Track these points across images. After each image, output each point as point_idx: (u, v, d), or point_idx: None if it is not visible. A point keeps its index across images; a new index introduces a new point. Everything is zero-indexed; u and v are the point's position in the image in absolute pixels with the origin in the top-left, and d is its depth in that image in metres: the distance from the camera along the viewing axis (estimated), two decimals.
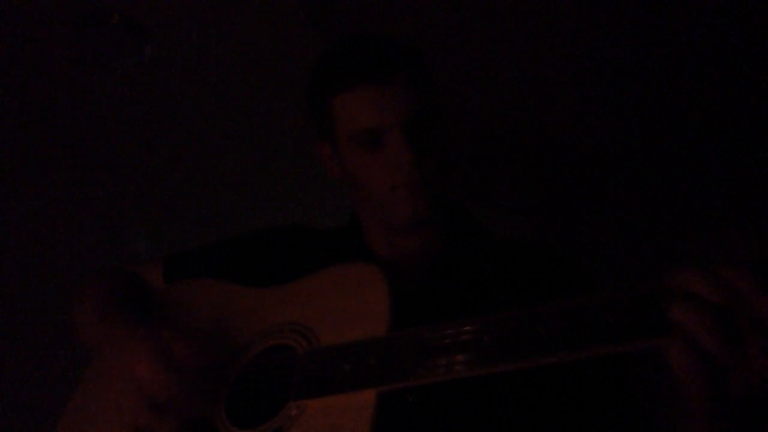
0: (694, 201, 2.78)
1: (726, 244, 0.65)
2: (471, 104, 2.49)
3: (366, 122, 1.04)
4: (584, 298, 0.71)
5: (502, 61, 2.34)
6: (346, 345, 0.88)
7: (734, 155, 2.67)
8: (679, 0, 2.04)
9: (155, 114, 2.52)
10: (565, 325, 0.70)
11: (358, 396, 0.82)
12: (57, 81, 2.32)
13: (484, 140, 2.70)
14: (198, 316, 1.11)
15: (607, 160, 2.80)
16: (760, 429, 0.67)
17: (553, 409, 0.97)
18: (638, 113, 2.55)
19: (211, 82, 2.40)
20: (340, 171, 1.17)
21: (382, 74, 1.04)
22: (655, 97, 2.47)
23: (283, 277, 1.07)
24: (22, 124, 2.45)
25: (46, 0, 2.03)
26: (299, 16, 2.18)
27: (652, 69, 2.33)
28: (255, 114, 2.55)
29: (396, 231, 1.15)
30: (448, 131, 1.19)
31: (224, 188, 2.85)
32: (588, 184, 2.93)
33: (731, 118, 2.53)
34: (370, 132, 1.04)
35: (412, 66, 1.08)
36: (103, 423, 1.07)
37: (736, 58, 2.25)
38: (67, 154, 2.59)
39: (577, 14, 2.13)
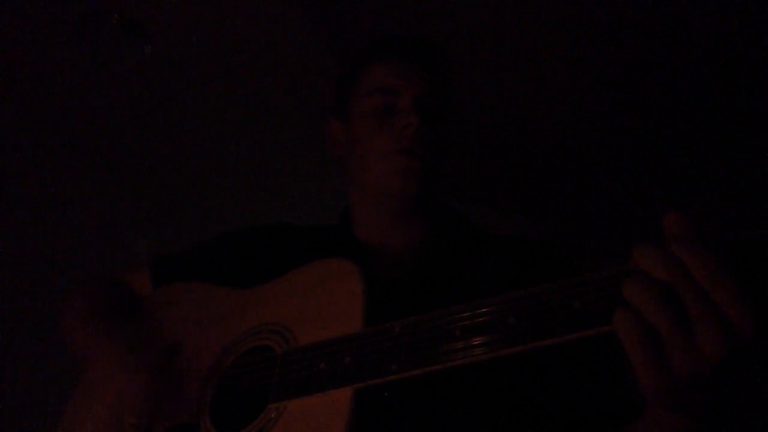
0: (694, 201, 2.76)
1: (671, 226, 0.63)
2: (470, 104, 2.49)
3: (384, 83, 1.14)
4: (550, 283, 0.71)
5: (501, 62, 2.34)
6: (321, 344, 0.88)
7: (734, 155, 2.65)
8: (679, 0, 2.03)
9: (155, 114, 2.53)
10: (533, 313, 0.70)
11: (335, 394, 0.82)
12: (57, 81, 2.33)
13: (484, 140, 2.70)
14: (182, 320, 1.11)
15: (606, 160, 2.79)
16: (711, 411, 0.67)
17: (531, 400, 0.97)
18: (638, 113, 2.54)
19: (210, 82, 2.41)
20: (344, 146, 1.21)
21: (408, 52, 1.16)
22: (655, 98, 2.46)
23: (271, 275, 1.07)
24: (23, 124, 2.46)
25: (46, 0, 2.04)
26: (299, 16, 2.18)
27: (653, 69, 2.32)
28: (255, 114, 2.56)
29: (385, 214, 1.16)
30: (453, 133, 1.21)
31: (224, 187, 2.86)
32: (588, 184, 2.92)
33: (731, 118, 2.51)
34: (387, 93, 1.13)
35: (435, 56, 1.19)
36: (101, 425, 1.08)
37: (736, 58, 2.23)
38: (67, 154, 2.60)
39: (577, 15, 2.12)
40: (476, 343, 0.73)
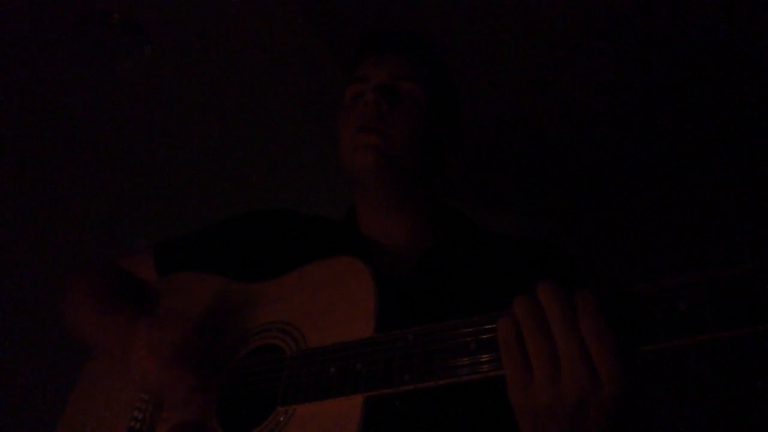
0: (694, 201, 2.77)
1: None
2: (471, 105, 2.49)
3: (360, 72, 1.20)
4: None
5: (502, 62, 2.34)
6: (332, 347, 0.87)
7: (734, 155, 2.66)
8: (679, 1, 2.03)
9: (155, 114, 2.52)
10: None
11: (346, 401, 0.82)
12: (57, 81, 2.32)
13: (484, 141, 2.70)
14: (189, 314, 1.10)
15: (607, 160, 2.79)
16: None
17: None
18: (638, 113, 2.55)
19: (210, 82, 2.40)
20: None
21: (382, 44, 1.21)
22: (655, 98, 2.46)
23: (278, 263, 1.07)
24: (23, 124, 2.45)
25: (46, 0, 2.04)
26: (299, 16, 2.18)
27: (652, 69, 2.32)
28: (254, 113, 2.55)
29: (370, 200, 1.17)
30: (437, 121, 1.20)
31: (224, 187, 2.85)
32: (588, 184, 2.93)
33: (731, 118, 2.51)
34: (360, 81, 1.18)
35: (409, 45, 1.22)
36: (101, 421, 1.08)
37: (736, 58, 2.23)
38: (67, 154, 2.59)
39: (577, 15, 2.12)
40: (489, 359, 0.73)
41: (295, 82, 2.41)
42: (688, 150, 2.70)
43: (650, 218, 2.86)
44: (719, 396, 2.37)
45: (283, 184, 2.83)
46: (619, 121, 2.59)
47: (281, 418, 0.88)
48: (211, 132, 2.63)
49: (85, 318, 1.17)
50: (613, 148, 2.72)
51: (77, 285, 1.23)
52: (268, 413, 0.90)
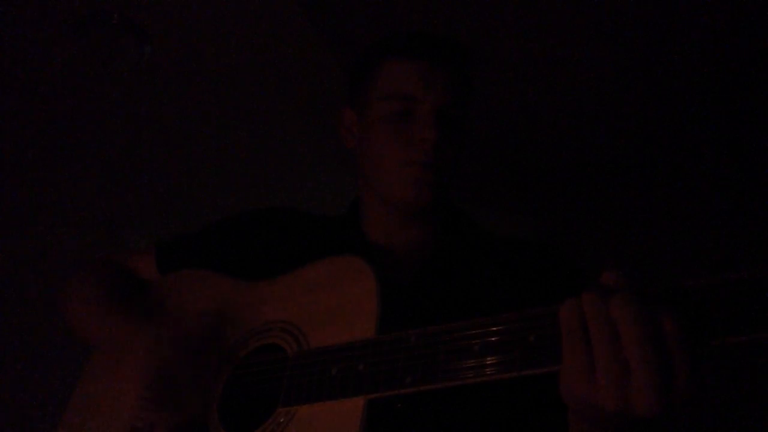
0: (694, 201, 2.77)
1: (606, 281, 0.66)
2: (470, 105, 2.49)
3: (404, 89, 1.09)
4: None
5: (502, 63, 2.34)
6: (333, 348, 0.86)
7: (734, 155, 2.66)
8: (678, 3, 2.03)
9: (155, 114, 2.52)
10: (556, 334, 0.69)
11: (347, 403, 0.81)
12: (57, 81, 2.32)
13: (484, 141, 2.70)
14: (191, 311, 1.10)
15: (606, 160, 2.79)
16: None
17: (544, 413, 0.96)
18: (638, 113, 2.55)
19: (210, 82, 2.40)
20: (356, 141, 1.18)
21: (433, 54, 1.11)
22: (654, 98, 2.46)
23: (279, 262, 1.07)
24: (23, 124, 2.45)
25: (46, 0, 2.04)
26: (299, 16, 2.17)
27: (652, 69, 2.32)
28: (254, 114, 2.55)
29: (394, 216, 1.15)
30: (469, 138, 1.20)
31: (224, 187, 2.85)
32: (588, 184, 2.93)
33: (731, 117, 2.52)
34: (406, 99, 1.08)
35: (461, 60, 1.15)
36: (103, 421, 1.08)
37: (736, 58, 2.24)
38: (67, 153, 2.59)
39: (577, 16, 2.12)
40: (494, 361, 0.72)
41: (296, 82, 2.41)
42: (688, 150, 2.70)
43: (650, 218, 2.86)
44: (719, 396, 2.37)
45: (283, 184, 2.83)
46: (619, 122, 2.59)
47: (282, 419, 0.88)
48: (212, 132, 2.63)
49: (86, 317, 1.17)
50: (612, 147, 2.72)
51: (79, 282, 1.23)
52: (270, 413, 0.90)
